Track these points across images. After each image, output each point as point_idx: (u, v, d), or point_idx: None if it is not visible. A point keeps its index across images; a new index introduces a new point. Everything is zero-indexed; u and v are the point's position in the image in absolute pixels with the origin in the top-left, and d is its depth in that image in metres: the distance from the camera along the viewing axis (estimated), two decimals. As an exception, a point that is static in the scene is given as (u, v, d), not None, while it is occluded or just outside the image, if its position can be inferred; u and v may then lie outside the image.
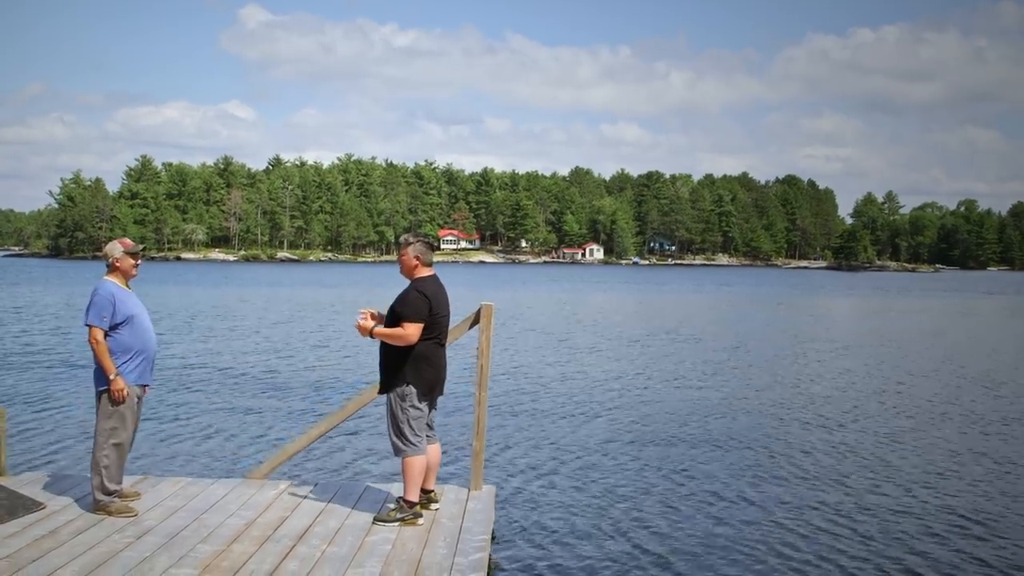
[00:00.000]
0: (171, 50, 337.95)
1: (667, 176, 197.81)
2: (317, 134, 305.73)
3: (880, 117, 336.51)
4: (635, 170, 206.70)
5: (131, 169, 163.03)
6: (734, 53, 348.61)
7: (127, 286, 6.62)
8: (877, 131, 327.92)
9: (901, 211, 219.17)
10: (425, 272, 6.47)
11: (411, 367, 6.31)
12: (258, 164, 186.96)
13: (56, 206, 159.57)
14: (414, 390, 6.33)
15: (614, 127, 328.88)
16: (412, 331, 6.24)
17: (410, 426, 6.33)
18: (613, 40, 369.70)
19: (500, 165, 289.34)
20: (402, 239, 6.59)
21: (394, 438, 6.39)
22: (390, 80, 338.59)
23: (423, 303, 6.28)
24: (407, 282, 6.49)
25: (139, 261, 6.70)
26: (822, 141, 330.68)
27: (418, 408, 6.36)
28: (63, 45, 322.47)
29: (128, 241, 6.73)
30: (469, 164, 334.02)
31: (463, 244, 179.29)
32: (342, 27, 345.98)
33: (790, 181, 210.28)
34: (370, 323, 6.35)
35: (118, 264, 6.57)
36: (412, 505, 6.36)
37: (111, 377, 6.30)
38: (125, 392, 6.34)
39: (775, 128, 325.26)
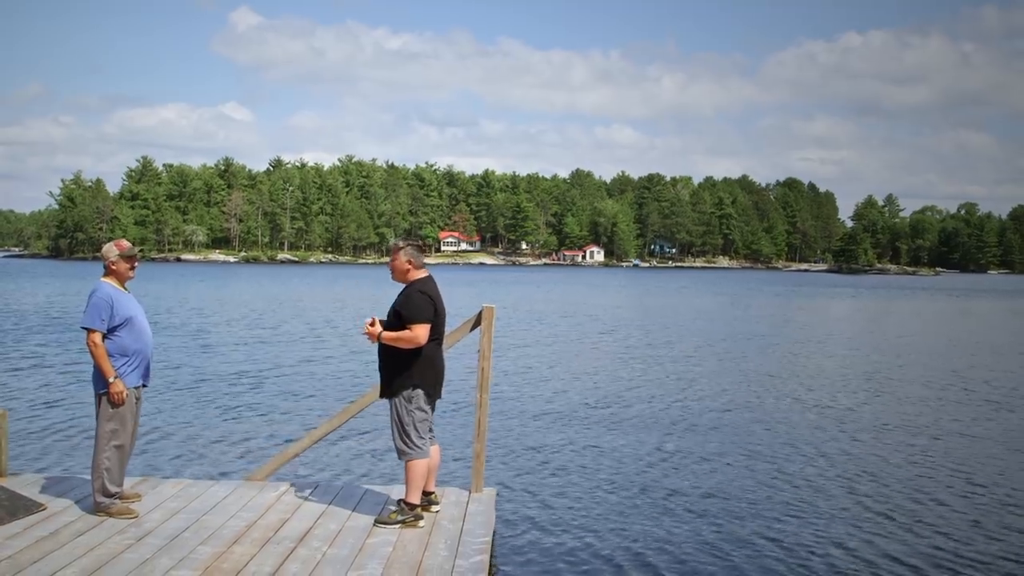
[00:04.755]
0: (167, 53, 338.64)
1: (667, 179, 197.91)
2: (314, 136, 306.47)
3: (872, 120, 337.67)
4: (631, 172, 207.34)
5: (132, 170, 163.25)
6: (723, 56, 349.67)
7: (124, 287, 6.61)
8: (870, 134, 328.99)
9: (901, 214, 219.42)
10: (420, 274, 6.46)
11: (417, 369, 6.29)
12: (256, 165, 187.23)
13: (56, 207, 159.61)
14: (421, 392, 6.31)
15: (608, 130, 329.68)
16: (421, 332, 6.21)
17: (416, 428, 6.31)
18: (603, 44, 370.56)
19: (497, 167, 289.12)
20: (392, 244, 6.56)
21: (399, 441, 6.35)
22: (383, 83, 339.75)
23: (428, 303, 6.27)
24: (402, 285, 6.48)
25: (135, 264, 6.68)
26: (816, 144, 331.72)
27: (423, 410, 6.35)
28: (61, 46, 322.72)
29: (125, 243, 6.67)
30: (466, 166, 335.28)
31: (463, 246, 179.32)
32: (333, 30, 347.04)
33: (790, 184, 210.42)
34: (377, 328, 6.33)
35: (114, 267, 6.55)
36: (413, 507, 6.35)
37: (110, 380, 6.29)
38: (124, 395, 6.34)
39: (768, 131, 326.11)
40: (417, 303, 6.26)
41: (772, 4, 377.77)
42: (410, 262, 6.43)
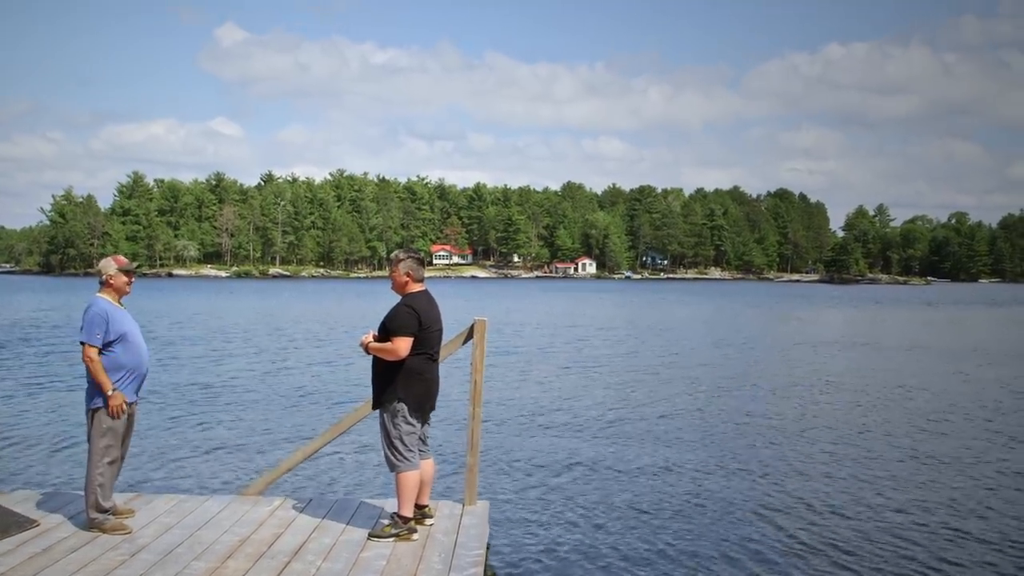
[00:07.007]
0: (153, 68, 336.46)
1: (658, 190, 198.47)
2: (303, 150, 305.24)
3: (858, 131, 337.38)
4: (621, 184, 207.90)
5: (123, 186, 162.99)
6: (708, 67, 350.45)
7: (120, 303, 6.61)
8: (857, 145, 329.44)
9: (892, 224, 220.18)
10: (416, 288, 6.51)
11: (401, 382, 6.34)
12: (246, 180, 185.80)
13: (47, 223, 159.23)
14: (404, 405, 6.35)
15: (596, 142, 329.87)
16: (401, 345, 6.27)
17: (402, 441, 6.34)
18: (588, 56, 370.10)
19: (486, 180, 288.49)
20: (392, 256, 6.63)
21: (387, 453, 6.41)
22: (370, 97, 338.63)
23: (412, 318, 6.31)
24: (399, 298, 6.53)
25: (133, 279, 6.70)
26: (804, 155, 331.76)
27: (410, 423, 6.38)
28: (47, 62, 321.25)
29: (122, 259, 6.70)
30: (456, 179, 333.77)
31: (455, 259, 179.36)
32: (319, 45, 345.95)
33: (781, 195, 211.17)
34: (369, 338, 6.40)
35: (111, 281, 6.56)
36: (406, 520, 6.36)
37: (109, 392, 6.28)
38: (123, 407, 6.34)
39: (756, 142, 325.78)
40: (401, 317, 6.31)
41: (753, 16, 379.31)
42: (408, 275, 6.48)
